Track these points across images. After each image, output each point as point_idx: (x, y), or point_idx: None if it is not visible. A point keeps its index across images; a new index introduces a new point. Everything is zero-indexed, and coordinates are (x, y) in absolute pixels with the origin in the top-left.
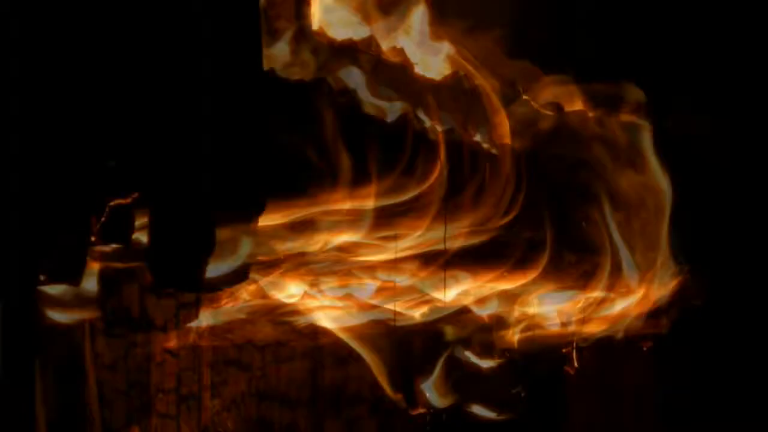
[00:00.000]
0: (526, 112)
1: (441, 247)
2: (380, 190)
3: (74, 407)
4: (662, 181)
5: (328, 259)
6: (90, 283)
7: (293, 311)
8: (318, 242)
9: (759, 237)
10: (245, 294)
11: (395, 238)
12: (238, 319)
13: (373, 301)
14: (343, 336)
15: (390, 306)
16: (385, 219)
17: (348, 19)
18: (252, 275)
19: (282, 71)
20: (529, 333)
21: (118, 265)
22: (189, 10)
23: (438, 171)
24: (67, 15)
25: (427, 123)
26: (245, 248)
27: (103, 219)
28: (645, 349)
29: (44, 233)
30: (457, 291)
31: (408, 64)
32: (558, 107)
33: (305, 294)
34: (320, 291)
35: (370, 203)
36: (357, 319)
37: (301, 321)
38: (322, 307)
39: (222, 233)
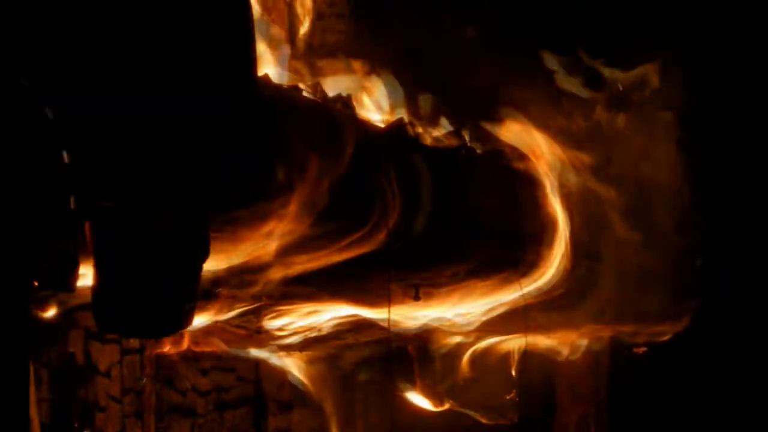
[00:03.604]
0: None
1: None
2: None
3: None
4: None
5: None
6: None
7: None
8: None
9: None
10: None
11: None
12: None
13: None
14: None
15: (384, 315)
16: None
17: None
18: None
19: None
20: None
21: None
22: (182, 15)
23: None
24: (57, 15)
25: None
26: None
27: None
28: (640, 355)
29: (36, 238)
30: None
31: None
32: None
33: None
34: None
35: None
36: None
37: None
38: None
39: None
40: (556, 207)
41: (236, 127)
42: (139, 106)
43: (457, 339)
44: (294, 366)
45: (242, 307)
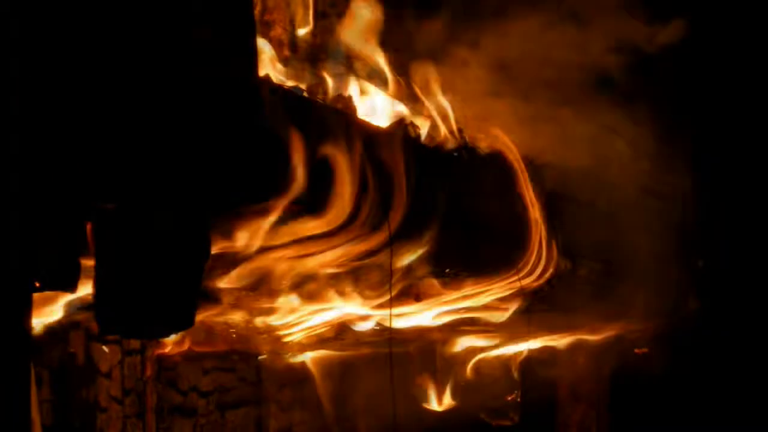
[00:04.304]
0: None
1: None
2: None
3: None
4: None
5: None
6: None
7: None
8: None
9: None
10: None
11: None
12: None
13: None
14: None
15: (384, 314)
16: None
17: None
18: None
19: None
20: None
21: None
22: (183, 15)
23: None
24: (62, 16)
25: None
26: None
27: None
28: (640, 355)
29: (38, 240)
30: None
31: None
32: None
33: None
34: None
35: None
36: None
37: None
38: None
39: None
40: (551, 207)
41: (236, 127)
42: (139, 106)
43: (458, 339)
44: (295, 366)
45: (243, 307)
